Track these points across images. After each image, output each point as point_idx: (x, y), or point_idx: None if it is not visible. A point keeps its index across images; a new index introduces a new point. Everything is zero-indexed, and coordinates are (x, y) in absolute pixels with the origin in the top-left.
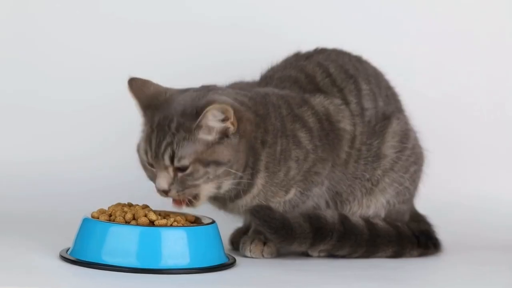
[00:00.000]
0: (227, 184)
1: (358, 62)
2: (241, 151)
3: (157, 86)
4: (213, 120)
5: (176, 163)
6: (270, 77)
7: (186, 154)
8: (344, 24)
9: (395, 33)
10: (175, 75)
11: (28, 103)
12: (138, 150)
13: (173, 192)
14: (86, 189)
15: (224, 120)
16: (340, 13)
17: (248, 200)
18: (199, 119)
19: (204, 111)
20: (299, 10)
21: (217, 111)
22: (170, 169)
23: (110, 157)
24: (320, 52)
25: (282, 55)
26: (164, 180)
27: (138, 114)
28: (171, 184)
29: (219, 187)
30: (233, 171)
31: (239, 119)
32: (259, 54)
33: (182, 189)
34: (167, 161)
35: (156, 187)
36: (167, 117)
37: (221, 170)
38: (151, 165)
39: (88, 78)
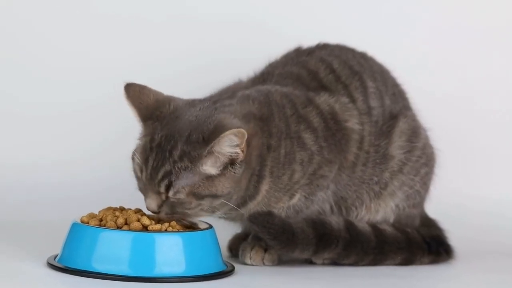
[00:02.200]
0: (221, 212)
1: (363, 58)
2: (242, 179)
3: (156, 94)
4: (227, 146)
5: (171, 195)
6: (269, 73)
7: (184, 187)
8: (347, 19)
9: (401, 29)
10: (174, 73)
11: (16, 107)
12: (133, 160)
13: (162, 214)
14: (75, 193)
15: (237, 145)
16: (343, 9)
17: (251, 207)
18: (211, 145)
19: (219, 137)
20: (300, 7)
21: (234, 136)
22: (163, 195)
23: (101, 160)
24: (322, 47)
25: (283, 52)
26: (154, 202)
27: (125, 119)
28: (161, 206)
29: (212, 214)
30: (230, 204)
31: (248, 143)
32: (259, 52)
33: (172, 213)
34: (162, 189)
35: (145, 205)
36: (169, 140)
37: (217, 202)
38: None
39: (82, 80)
